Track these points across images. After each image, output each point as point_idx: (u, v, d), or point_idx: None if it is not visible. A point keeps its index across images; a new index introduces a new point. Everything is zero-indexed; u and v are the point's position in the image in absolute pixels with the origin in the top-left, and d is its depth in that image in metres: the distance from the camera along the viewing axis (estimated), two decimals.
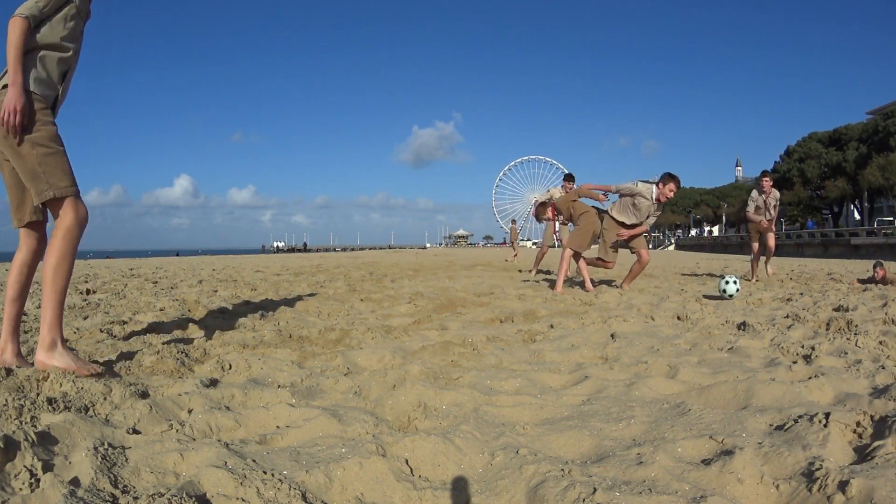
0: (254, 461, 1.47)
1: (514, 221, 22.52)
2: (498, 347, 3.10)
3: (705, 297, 5.74)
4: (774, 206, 8.47)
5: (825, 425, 1.61)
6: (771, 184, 8.45)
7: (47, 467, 1.40)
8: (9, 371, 2.10)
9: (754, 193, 8.56)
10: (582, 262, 6.71)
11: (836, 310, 4.37)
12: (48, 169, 2.20)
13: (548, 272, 9.70)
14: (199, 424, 1.77)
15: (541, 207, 8.13)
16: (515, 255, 18.57)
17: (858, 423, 1.65)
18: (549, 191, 9.20)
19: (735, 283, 5.48)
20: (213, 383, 2.33)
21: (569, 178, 9.28)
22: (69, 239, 2.26)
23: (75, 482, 1.33)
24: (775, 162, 54.63)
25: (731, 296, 5.43)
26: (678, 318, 4.17)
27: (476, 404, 1.99)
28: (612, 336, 3.39)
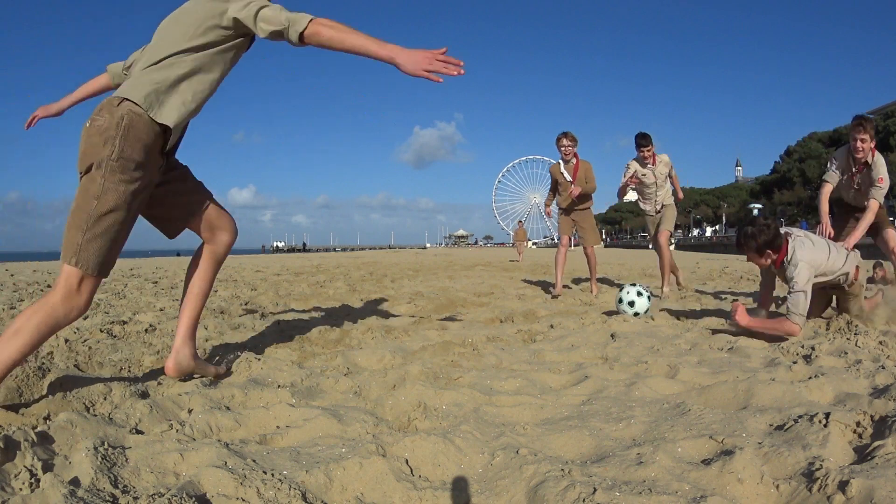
0: (254, 461, 1.47)
1: (521, 222, 22.47)
2: (498, 347, 3.10)
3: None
4: (875, 185, 4.25)
5: (825, 425, 1.60)
6: (869, 143, 4.21)
7: (47, 467, 1.40)
8: None
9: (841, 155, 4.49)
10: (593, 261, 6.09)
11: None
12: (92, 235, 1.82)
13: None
14: (199, 424, 1.77)
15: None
16: (520, 255, 18.61)
17: (858, 423, 1.65)
18: (628, 165, 6.09)
19: (646, 296, 4.06)
20: (213, 383, 2.33)
21: (644, 139, 5.96)
22: (37, 315, 1.78)
23: (75, 482, 1.33)
24: (775, 162, 54.70)
25: (637, 313, 4.04)
26: (678, 318, 4.17)
27: (476, 404, 1.99)
28: (612, 336, 3.39)
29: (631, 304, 4.07)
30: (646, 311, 4.10)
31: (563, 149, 5.92)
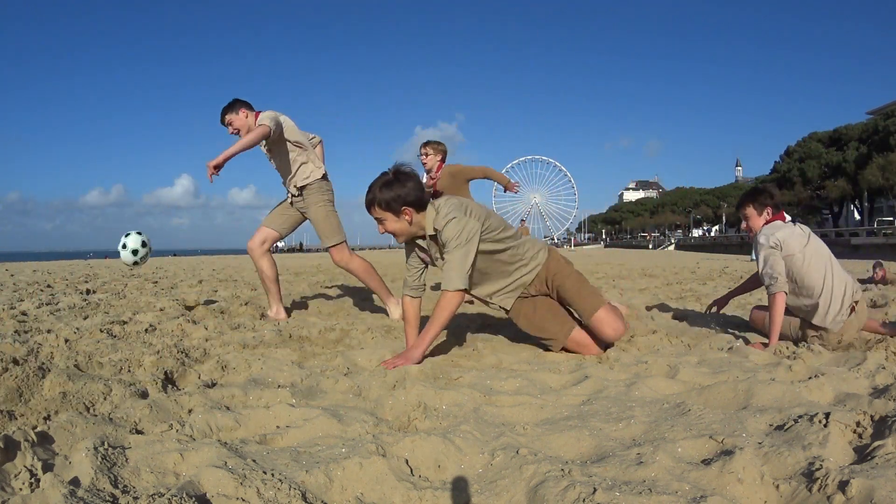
0: (254, 461, 1.47)
1: (523, 221, 22.60)
2: (498, 347, 3.10)
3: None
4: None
5: (825, 425, 1.60)
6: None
7: (47, 467, 1.40)
8: (5, 369, 2.10)
9: None
10: None
11: None
12: None
13: None
14: (199, 424, 1.77)
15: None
16: None
17: (858, 423, 1.65)
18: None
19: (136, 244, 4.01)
20: (213, 383, 2.33)
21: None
22: None
23: (75, 482, 1.33)
24: (775, 162, 54.68)
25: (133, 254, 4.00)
26: (678, 318, 4.17)
27: (476, 404, 1.99)
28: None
29: (124, 246, 4.05)
30: (136, 255, 4.02)
31: (420, 157, 5.26)
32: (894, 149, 37.49)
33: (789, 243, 3.08)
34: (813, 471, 1.31)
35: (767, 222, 3.25)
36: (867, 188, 40.54)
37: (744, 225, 3.37)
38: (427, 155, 5.24)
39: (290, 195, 4.21)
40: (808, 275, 3.06)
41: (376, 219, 2.85)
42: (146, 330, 3.46)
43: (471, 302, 4.59)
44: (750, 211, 3.31)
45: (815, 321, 3.06)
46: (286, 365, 2.58)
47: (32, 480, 1.33)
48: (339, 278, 8.24)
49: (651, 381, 2.26)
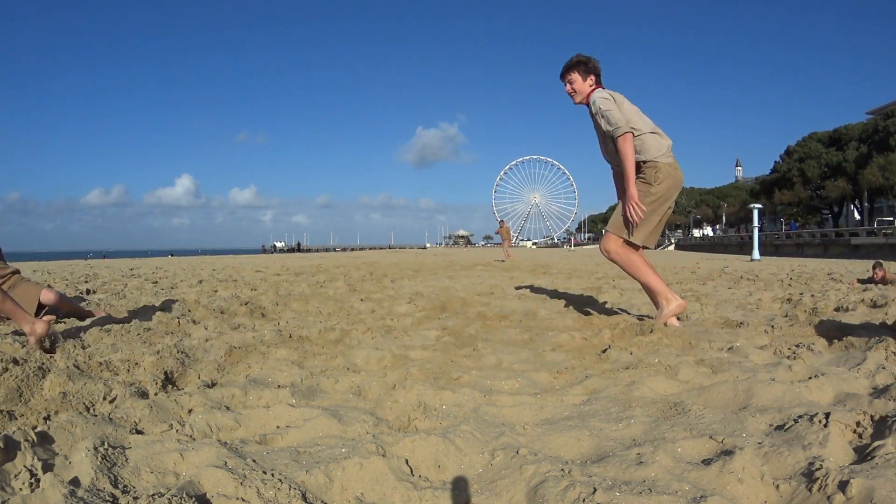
0: (254, 461, 1.47)
1: (502, 221, 22.63)
2: (498, 347, 3.10)
3: None
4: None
5: (825, 425, 1.60)
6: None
7: (47, 467, 1.40)
8: (5, 369, 2.10)
9: None
10: None
11: (836, 310, 4.37)
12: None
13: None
14: (199, 424, 1.77)
15: None
16: (509, 255, 18.75)
17: (858, 423, 1.65)
18: None
19: None
20: (213, 383, 2.33)
21: None
22: None
23: (75, 482, 1.33)
24: (775, 162, 54.66)
25: None
26: (678, 317, 4.16)
27: (476, 404, 1.99)
28: (611, 334, 3.38)
29: None
30: None
31: None
32: (894, 149, 37.49)
33: (616, 96, 3.64)
34: (813, 471, 1.31)
35: (592, 89, 3.74)
36: (867, 188, 40.54)
37: (567, 88, 3.80)
38: None
39: None
40: (640, 117, 3.66)
41: None
42: (146, 330, 3.45)
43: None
44: (574, 76, 3.77)
45: (654, 154, 3.57)
46: (286, 365, 2.58)
47: (32, 480, 1.33)
48: (339, 278, 8.24)
49: (651, 381, 2.26)
